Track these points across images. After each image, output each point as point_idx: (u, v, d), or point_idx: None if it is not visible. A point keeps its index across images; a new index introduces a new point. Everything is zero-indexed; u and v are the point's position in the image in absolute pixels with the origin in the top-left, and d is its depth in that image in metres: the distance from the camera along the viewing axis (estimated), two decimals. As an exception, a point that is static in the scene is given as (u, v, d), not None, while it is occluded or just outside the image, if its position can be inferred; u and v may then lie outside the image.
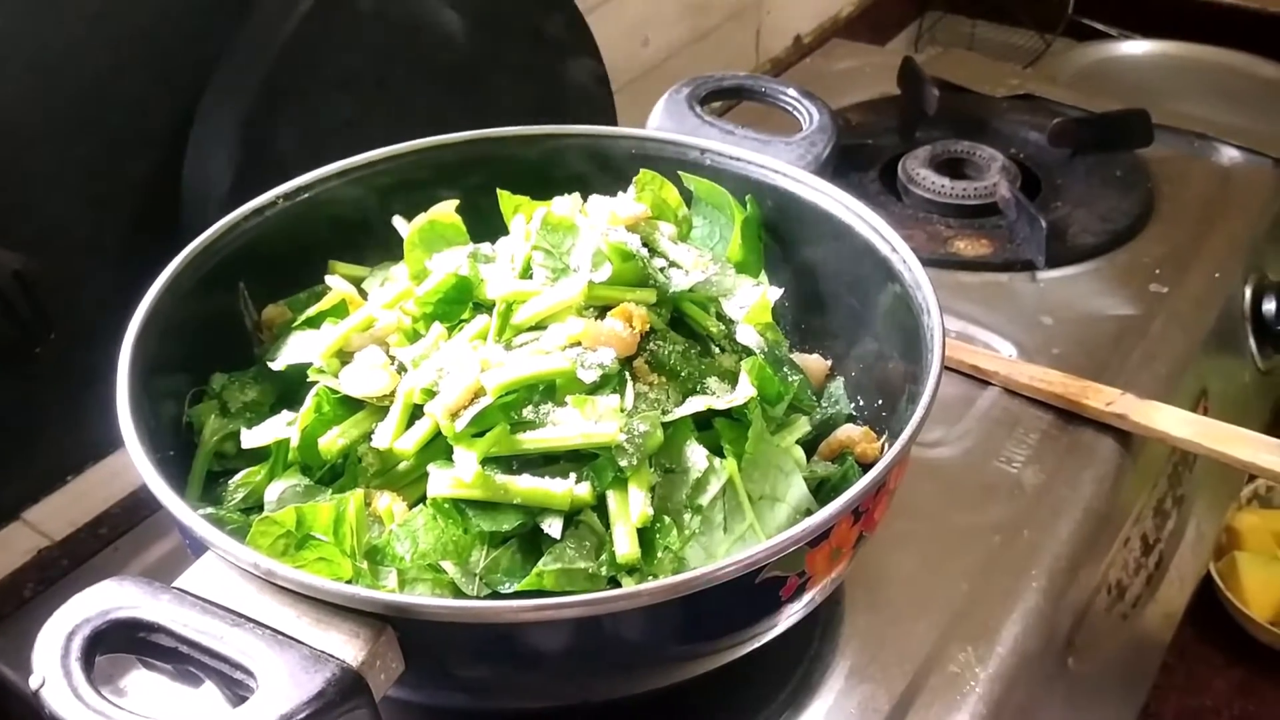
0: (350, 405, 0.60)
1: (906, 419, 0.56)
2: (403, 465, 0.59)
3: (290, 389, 0.65)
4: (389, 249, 0.72)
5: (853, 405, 0.71)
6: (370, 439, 0.59)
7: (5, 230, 0.71)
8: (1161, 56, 1.55)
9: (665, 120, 0.80)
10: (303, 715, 0.44)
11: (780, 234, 0.74)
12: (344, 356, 0.63)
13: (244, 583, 0.49)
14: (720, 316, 0.68)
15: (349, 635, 0.47)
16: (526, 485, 0.55)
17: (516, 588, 0.54)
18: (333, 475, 0.60)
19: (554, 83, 0.97)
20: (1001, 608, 0.71)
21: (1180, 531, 0.97)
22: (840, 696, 0.66)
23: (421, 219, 0.70)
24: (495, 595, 0.54)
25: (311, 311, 0.67)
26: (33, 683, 0.44)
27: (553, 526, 0.54)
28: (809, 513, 0.57)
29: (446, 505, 0.54)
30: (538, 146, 0.76)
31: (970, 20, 1.74)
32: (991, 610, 0.71)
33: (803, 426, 0.65)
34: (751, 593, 0.52)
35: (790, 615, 0.57)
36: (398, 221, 0.71)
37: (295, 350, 0.65)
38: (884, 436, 0.67)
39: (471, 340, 0.62)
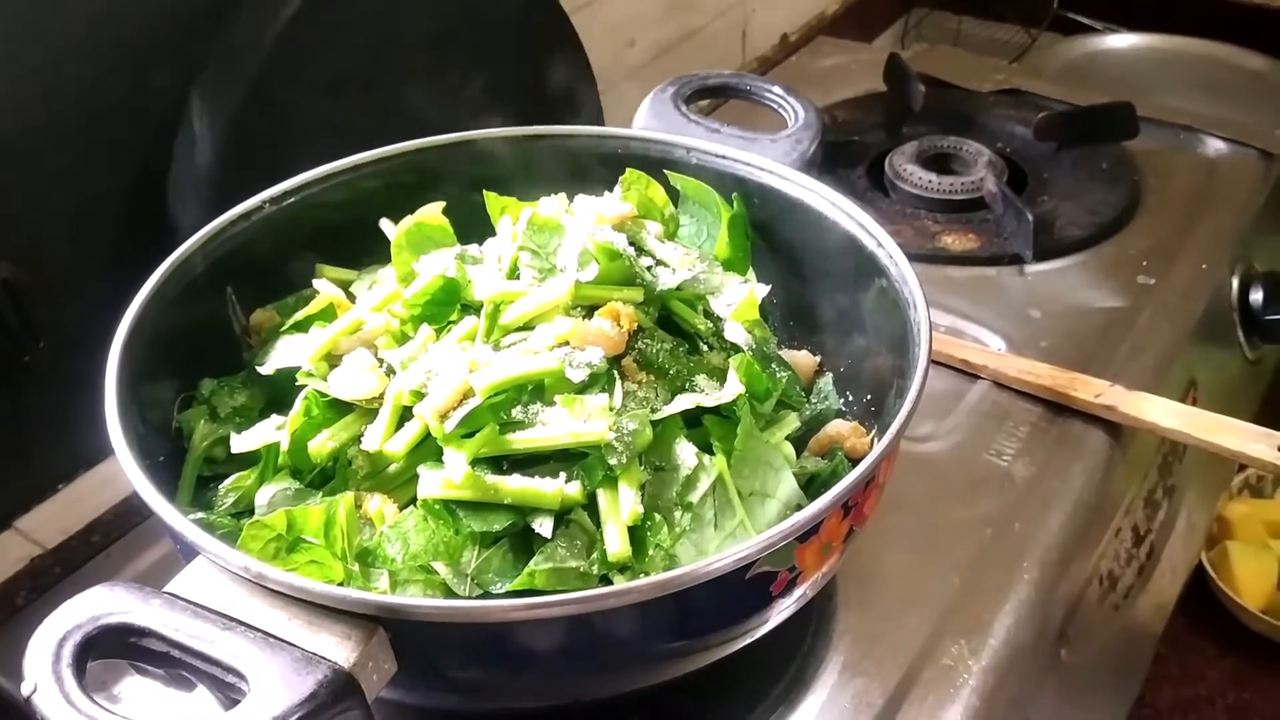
0: (339, 408, 0.60)
1: (895, 413, 0.56)
2: (393, 467, 0.59)
3: (279, 393, 0.65)
4: (376, 252, 0.72)
5: (842, 401, 0.71)
6: (360, 442, 0.59)
7: (-8, 239, 0.71)
8: (1146, 49, 1.55)
9: (651, 119, 0.80)
10: (295, 717, 0.44)
11: (767, 231, 0.74)
12: (333, 360, 0.63)
13: (235, 586, 0.49)
14: (708, 314, 0.68)
15: (341, 637, 0.47)
16: (517, 485, 0.55)
17: (508, 588, 0.54)
18: (323, 478, 0.60)
19: (540, 83, 0.97)
20: (993, 600, 0.71)
21: (1171, 522, 0.97)
22: (834, 691, 0.66)
23: (408, 221, 0.70)
24: (487, 595, 0.55)
25: (299, 315, 0.67)
26: (25, 690, 0.44)
27: (543, 526, 0.55)
28: (799, 508, 0.57)
29: (437, 506, 0.55)
30: (524, 147, 0.77)
31: (956, 16, 1.75)
32: (984, 603, 0.71)
33: (792, 422, 0.65)
34: (742, 588, 0.52)
35: (781, 611, 0.57)
36: (385, 224, 0.71)
37: (284, 354, 0.65)
38: (873, 431, 0.67)
39: (460, 341, 0.62)
